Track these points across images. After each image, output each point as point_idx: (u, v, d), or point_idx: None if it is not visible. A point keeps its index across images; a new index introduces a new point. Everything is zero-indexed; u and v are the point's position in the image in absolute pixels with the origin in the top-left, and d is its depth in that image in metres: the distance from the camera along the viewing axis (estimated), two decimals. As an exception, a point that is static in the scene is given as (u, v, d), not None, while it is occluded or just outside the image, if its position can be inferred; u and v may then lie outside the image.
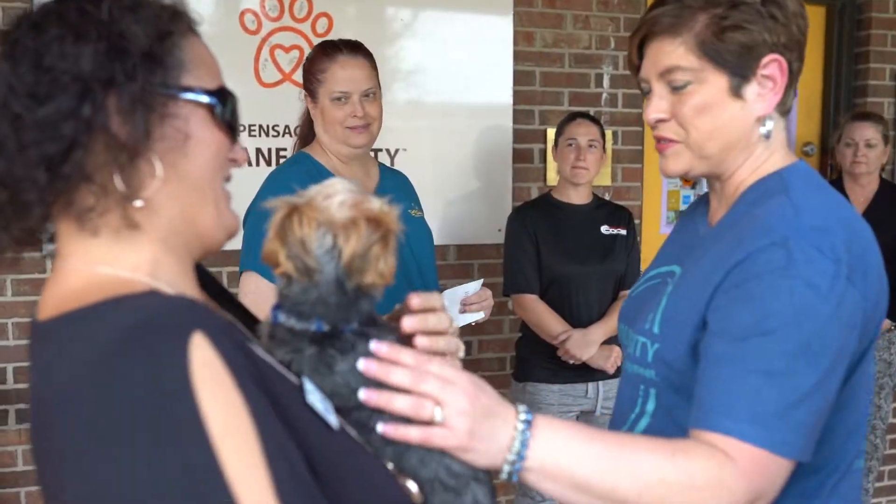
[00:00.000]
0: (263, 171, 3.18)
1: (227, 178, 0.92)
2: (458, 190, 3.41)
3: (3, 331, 2.98)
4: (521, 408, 0.99)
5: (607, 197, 3.49)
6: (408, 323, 0.99)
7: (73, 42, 0.79)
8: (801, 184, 1.18)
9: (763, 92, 1.18)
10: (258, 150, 3.14)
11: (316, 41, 3.12)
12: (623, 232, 2.93)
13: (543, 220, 2.89)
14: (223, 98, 0.89)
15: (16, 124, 0.79)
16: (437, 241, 3.39)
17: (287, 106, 3.15)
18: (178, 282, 0.86)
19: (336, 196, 0.93)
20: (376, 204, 0.95)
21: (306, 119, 2.25)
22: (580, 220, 2.91)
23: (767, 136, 1.20)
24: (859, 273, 1.10)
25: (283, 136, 3.15)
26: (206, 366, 0.73)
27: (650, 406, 1.24)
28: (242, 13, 3.10)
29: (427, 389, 0.92)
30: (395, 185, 2.28)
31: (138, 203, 0.82)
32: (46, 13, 0.82)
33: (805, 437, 1.05)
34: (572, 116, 2.94)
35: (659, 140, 1.24)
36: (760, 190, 1.20)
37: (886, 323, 3.34)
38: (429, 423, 0.93)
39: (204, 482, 0.71)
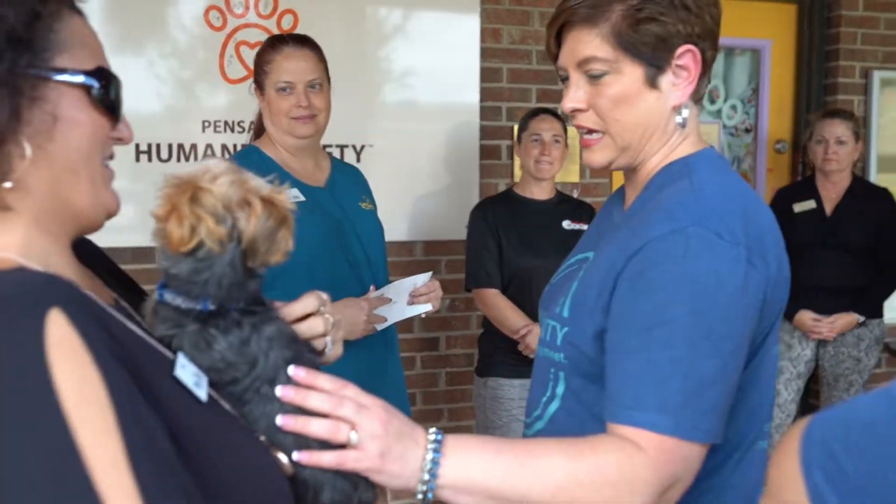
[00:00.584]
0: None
1: (110, 157, 0.93)
2: (425, 186, 3.42)
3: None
4: (432, 430, 1.03)
5: (575, 194, 3.50)
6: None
7: None
8: (704, 169, 1.20)
9: (678, 82, 1.19)
10: (223, 147, 3.15)
11: (281, 38, 3.15)
12: (585, 227, 2.94)
13: (505, 215, 2.90)
14: (102, 78, 0.89)
15: None
16: (404, 237, 3.43)
17: (252, 102, 3.17)
18: (52, 260, 0.87)
19: (222, 177, 0.93)
20: (264, 185, 0.96)
21: (260, 113, 2.27)
22: (542, 215, 2.92)
23: (683, 124, 1.22)
24: (758, 255, 1.11)
25: (249, 132, 3.15)
26: (61, 341, 0.74)
27: (560, 389, 1.25)
28: (207, 10, 3.10)
29: (343, 413, 0.96)
30: (345, 177, 2.30)
31: (7, 185, 0.83)
32: None
33: (713, 420, 1.07)
34: (535, 112, 2.96)
35: (580, 130, 1.26)
36: (666, 175, 1.22)
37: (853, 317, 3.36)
38: (343, 445, 0.96)
39: (58, 455, 0.72)
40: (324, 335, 1.08)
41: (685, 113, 1.22)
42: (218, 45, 3.12)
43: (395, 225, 3.23)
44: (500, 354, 2.87)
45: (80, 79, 0.87)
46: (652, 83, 1.19)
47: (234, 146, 3.15)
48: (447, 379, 3.55)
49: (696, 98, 1.24)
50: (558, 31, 1.25)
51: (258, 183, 0.95)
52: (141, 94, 3.05)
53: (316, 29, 3.21)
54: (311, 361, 1.03)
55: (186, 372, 0.89)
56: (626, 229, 1.20)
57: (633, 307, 1.10)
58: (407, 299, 2.13)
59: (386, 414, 0.99)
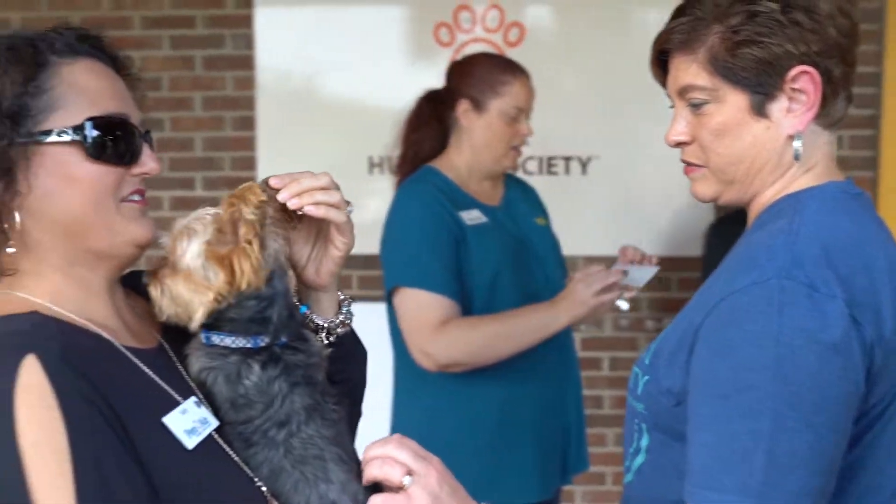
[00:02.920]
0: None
1: (135, 192, 0.96)
2: (657, 200, 3.25)
3: None
4: None
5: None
6: (283, 195, 0.99)
7: None
8: (814, 206, 1.05)
9: (794, 108, 1.05)
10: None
11: (507, 51, 3.12)
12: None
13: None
14: (99, 128, 0.90)
15: None
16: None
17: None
18: (88, 305, 0.94)
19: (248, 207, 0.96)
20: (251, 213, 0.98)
21: (420, 127, 2.15)
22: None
23: (797, 156, 1.06)
24: (868, 310, 0.93)
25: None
26: (30, 387, 0.81)
27: (644, 442, 1.14)
28: (437, 27, 3.15)
29: (400, 457, 0.95)
30: (518, 194, 2.23)
31: (10, 250, 0.90)
32: None
33: None
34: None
35: (685, 163, 1.15)
36: (771, 213, 1.09)
37: None
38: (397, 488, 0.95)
39: (8, 489, 0.78)
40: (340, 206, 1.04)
41: (797, 144, 1.05)
42: (444, 60, 3.15)
43: (624, 240, 3.10)
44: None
45: (70, 136, 0.89)
46: (759, 111, 1.06)
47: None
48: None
49: (829, 123, 1.08)
50: (664, 59, 1.14)
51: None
52: (371, 109, 3.15)
53: (541, 41, 3.18)
54: (331, 412, 1.02)
55: (185, 418, 0.92)
56: (715, 275, 1.09)
57: (710, 371, 0.98)
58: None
59: (443, 470, 0.97)
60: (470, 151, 2.08)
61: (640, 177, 3.23)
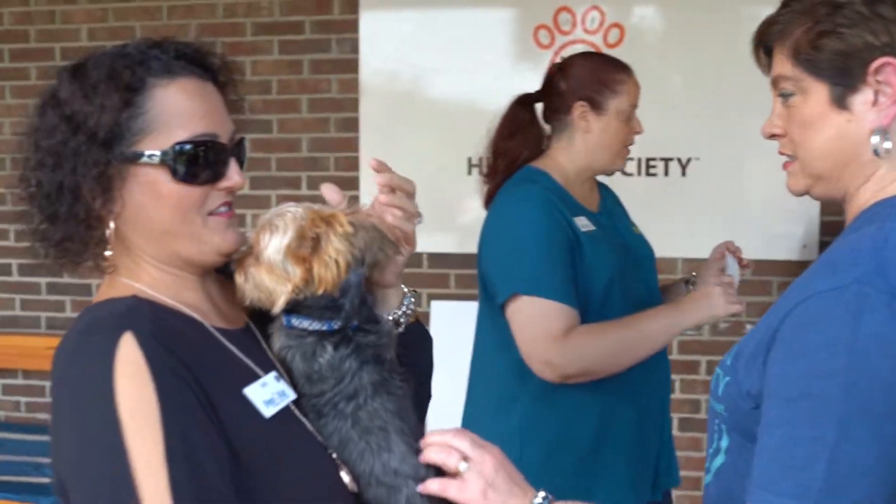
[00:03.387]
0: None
1: (225, 204, 1.05)
2: (758, 201, 3.20)
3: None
4: (542, 492, 1.05)
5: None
6: (381, 179, 1.12)
7: (54, 125, 0.98)
8: None
9: (881, 100, 1.04)
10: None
11: (607, 52, 3.13)
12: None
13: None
14: (186, 151, 0.99)
15: (26, 184, 1.01)
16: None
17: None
18: (183, 293, 1.05)
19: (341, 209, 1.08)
20: (344, 211, 1.08)
21: (516, 133, 2.07)
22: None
23: (876, 151, 1.05)
24: None
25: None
26: (127, 360, 0.91)
27: (724, 443, 1.14)
28: (537, 29, 3.19)
29: (458, 445, 1.02)
30: (612, 200, 2.19)
31: (107, 253, 1.02)
32: (44, 97, 1.01)
33: None
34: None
35: (783, 155, 1.16)
36: (865, 218, 1.06)
37: None
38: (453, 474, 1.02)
39: (109, 452, 0.89)
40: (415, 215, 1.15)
41: (876, 139, 1.04)
42: (544, 62, 3.19)
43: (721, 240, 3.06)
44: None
45: (160, 159, 0.99)
46: (839, 104, 1.05)
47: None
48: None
49: None
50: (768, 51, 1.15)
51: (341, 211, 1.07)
52: (471, 111, 3.20)
53: (641, 41, 3.18)
54: (397, 388, 1.09)
55: (265, 390, 1.02)
56: (800, 278, 1.08)
57: (781, 374, 0.98)
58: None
59: (501, 458, 1.02)
60: (584, 153, 2.02)
61: (741, 178, 3.19)
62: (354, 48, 3.33)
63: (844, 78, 1.04)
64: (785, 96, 1.10)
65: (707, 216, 3.16)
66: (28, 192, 1.02)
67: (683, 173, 3.15)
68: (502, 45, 3.23)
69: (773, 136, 1.15)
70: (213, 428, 0.94)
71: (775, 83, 1.12)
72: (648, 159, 3.16)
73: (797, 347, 0.97)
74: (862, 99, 1.05)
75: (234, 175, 1.05)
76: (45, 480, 3.13)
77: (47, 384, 3.93)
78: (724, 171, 3.19)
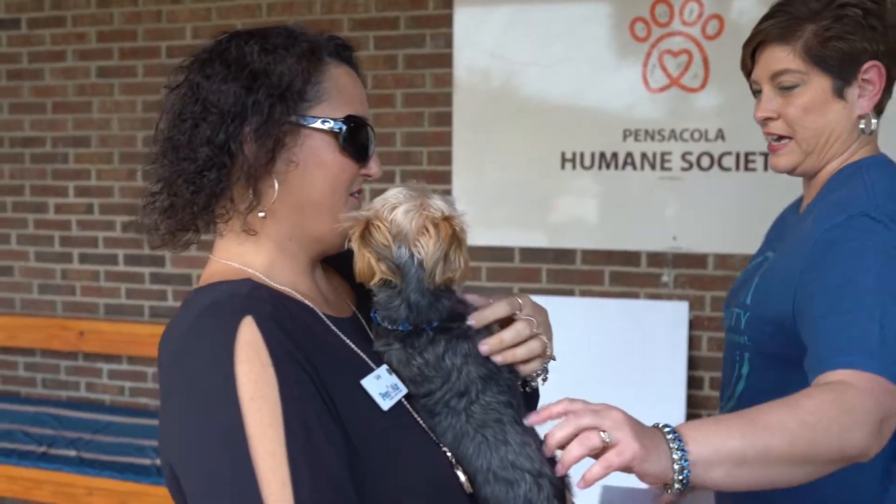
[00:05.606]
0: (647, 175, 3.19)
1: (358, 191, 1.07)
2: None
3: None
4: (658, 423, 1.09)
5: None
6: (484, 348, 1.07)
7: (223, 80, 0.98)
8: (876, 170, 1.35)
9: (864, 93, 1.36)
10: (643, 155, 3.16)
11: (706, 44, 3.07)
12: None
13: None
14: (352, 125, 1.02)
15: (175, 143, 1.00)
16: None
17: (673, 110, 3.13)
18: (296, 279, 1.05)
19: (400, 207, 1.03)
20: (441, 208, 1.04)
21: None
22: None
23: (866, 131, 1.38)
24: None
25: (669, 140, 3.13)
26: (248, 344, 0.90)
27: (745, 370, 1.42)
28: (633, 21, 3.14)
29: (585, 424, 0.99)
30: None
31: (261, 214, 1.02)
32: (211, 54, 1.02)
33: None
34: None
35: (769, 137, 1.43)
36: (839, 178, 1.38)
37: None
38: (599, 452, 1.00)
39: (228, 437, 0.87)
40: (542, 356, 1.10)
41: (868, 122, 1.37)
42: (642, 55, 3.14)
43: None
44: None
45: (331, 125, 1.02)
46: (839, 94, 1.36)
47: (654, 154, 3.14)
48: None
49: (878, 110, 1.39)
50: (753, 50, 1.43)
51: (437, 206, 1.03)
52: (564, 106, 3.19)
53: (741, 34, 3.08)
54: (507, 380, 1.08)
55: (379, 382, 1.02)
56: (804, 226, 1.35)
57: (822, 282, 1.22)
58: None
59: (622, 410, 1.03)
60: None
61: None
62: (448, 43, 3.35)
63: (844, 74, 1.35)
64: (786, 88, 1.37)
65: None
66: (175, 152, 1.01)
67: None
68: (598, 38, 3.19)
69: (766, 120, 1.41)
70: (332, 416, 0.93)
71: (775, 76, 1.38)
72: (748, 154, 3.09)
73: (830, 261, 1.23)
74: (853, 92, 1.36)
75: (374, 164, 1.09)
76: (147, 462, 3.26)
77: (150, 370, 4.09)
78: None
